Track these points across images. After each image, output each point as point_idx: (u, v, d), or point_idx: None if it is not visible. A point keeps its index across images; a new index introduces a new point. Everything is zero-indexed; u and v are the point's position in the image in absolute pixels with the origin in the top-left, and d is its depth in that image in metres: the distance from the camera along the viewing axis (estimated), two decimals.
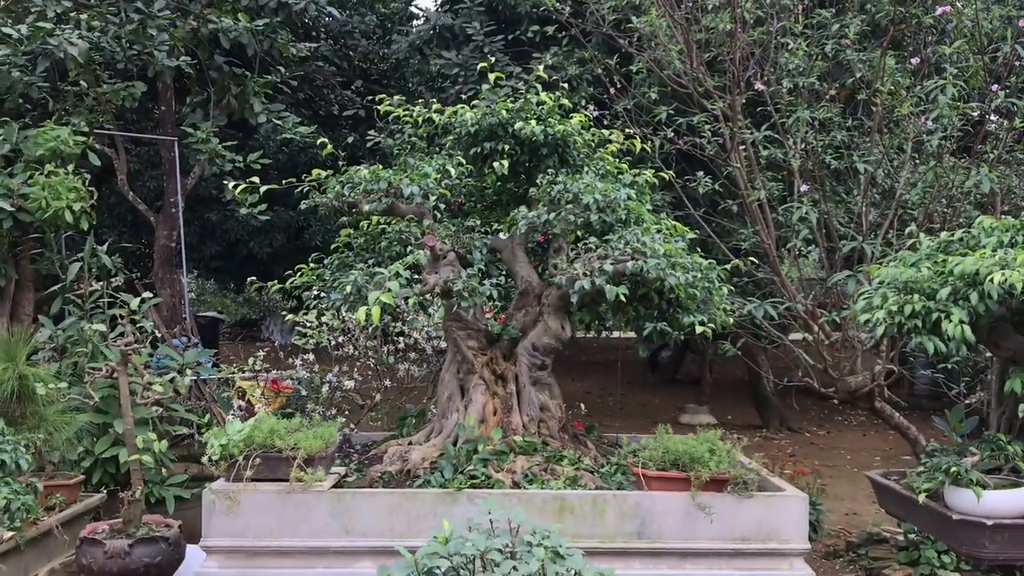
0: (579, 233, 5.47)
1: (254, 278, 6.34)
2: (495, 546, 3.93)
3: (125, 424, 5.36)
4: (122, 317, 5.49)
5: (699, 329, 5.33)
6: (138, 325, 5.91)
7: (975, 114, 7.35)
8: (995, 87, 7.56)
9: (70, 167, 7.74)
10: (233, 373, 6.53)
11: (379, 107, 5.98)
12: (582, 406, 6.64)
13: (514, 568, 3.79)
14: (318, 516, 4.67)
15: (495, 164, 5.43)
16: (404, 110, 5.92)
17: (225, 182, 6.47)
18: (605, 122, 7.50)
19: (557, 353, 5.54)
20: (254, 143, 13.48)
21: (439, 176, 5.28)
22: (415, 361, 6.78)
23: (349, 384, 6.48)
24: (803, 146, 7.77)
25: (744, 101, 8.06)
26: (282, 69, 10.27)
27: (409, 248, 4.83)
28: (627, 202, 5.17)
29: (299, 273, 6.02)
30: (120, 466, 6.55)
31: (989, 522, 4.61)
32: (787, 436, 13.73)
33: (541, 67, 6.28)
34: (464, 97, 8.17)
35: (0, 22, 8.63)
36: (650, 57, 8.41)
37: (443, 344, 6.97)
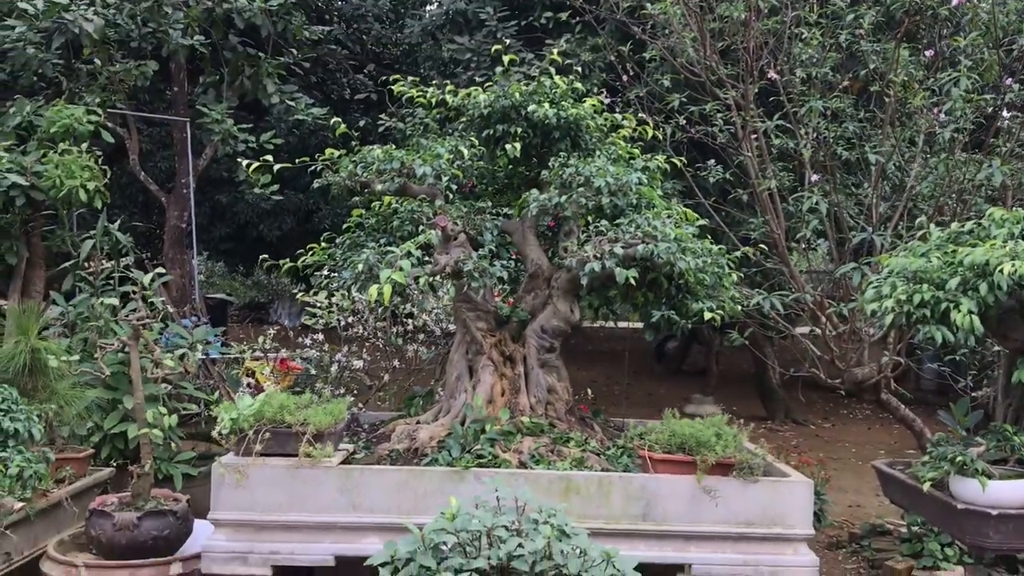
0: (588, 218, 5.49)
1: (266, 256, 6.35)
2: (501, 523, 3.96)
3: (136, 398, 5.39)
4: (134, 293, 5.51)
5: (708, 316, 5.34)
6: (149, 301, 5.94)
7: (988, 108, 7.34)
8: (1009, 80, 7.55)
9: (83, 146, 7.77)
10: (243, 352, 6.57)
11: (393, 88, 5.99)
12: (589, 392, 6.67)
13: (520, 545, 3.83)
14: (326, 491, 4.71)
15: (507, 147, 5.45)
16: (418, 91, 5.93)
17: (240, 160, 6.48)
18: (617, 109, 7.50)
19: (565, 336, 5.56)
20: (265, 125, 13.50)
21: (452, 157, 5.30)
22: (424, 343, 6.81)
23: (358, 364, 6.51)
24: (815, 136, 7.77)
25: (756, 90, 8.05)
26: (295, 51, 10.28)
27: (421, 228, 4.85)
28: (639, 186, 5.18)
29: (310, 252, 6.05)
30: (128, 442, 6.61)
31: (994, 512, 4.63)
32: (792, 428, 13.75)
33: (555, 51, 6.27)
34: (476, 82, 8.19)
35: None
36: (663, 45, 8.41)
37: (451, 327, 7.01)
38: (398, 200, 5.98)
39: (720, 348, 16.41)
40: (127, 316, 5.51)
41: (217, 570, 4.71)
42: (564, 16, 9.51)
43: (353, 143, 5.71)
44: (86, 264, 7.41)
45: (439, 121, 6.07)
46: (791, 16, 7.67)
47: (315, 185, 5.52)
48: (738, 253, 6.07)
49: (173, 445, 6.56)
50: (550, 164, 5.43)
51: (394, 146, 5.48)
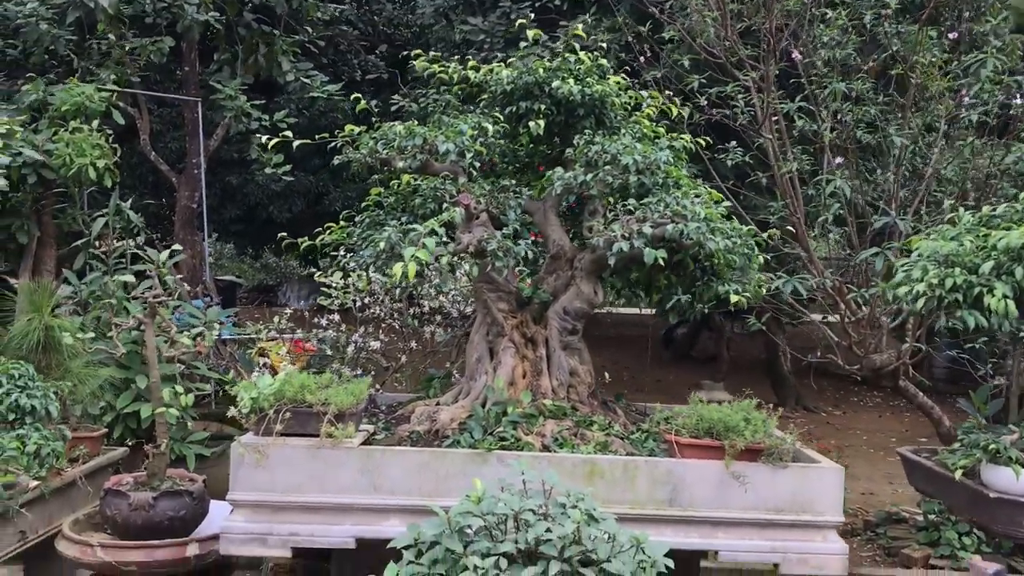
0: (611, 198, 5.38)
1: (284, 234, 6.26)
2: (528, 507, 3.88)
3: (151, 377, 5.31)
4: (151, 271, 5.42)
5: (734, 299, 5.24)
6: (164, 280, 5.86)
7: (1017, 94, 7.22)
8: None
9: (94, 124, 7.71)
10: (258, 332, 6.49)
11: (415, 63, 5.87)
12: (606, 375, 6.58)
13: (548, 529, 3.74)
14: (347, 472, 4.63)
15: (531, 124, 5.33)
16: (440, 67, 5.82)
17: (256, 135, 6.38)
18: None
19: (588, 318, 5.46)
20: (275, 106, 13.41)
21: (475, 134, 5.18)
22: (441, 324, 6.72)
23: (375, 345, 6.42)
24: (835, 119, 7.65)
25: (777, 72, 7.93)
26: (309, 29, 10.17)
27: (445, 206, 4.74)
28: (666, 165, 5.07)
29: (328, 231, 5.96)
30: (141, 421, 6.55)
31: None
32: (803, 415, 13.66)
33: (580, 26, 6.14)
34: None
35: None
36: (682, 26, 8.28)
37: (468, 309, 6.91)
38: (415, 179, 5.89)
39: (731, 335, 16.30)
40: (143, 293, 5.42)
41: (235, 552, 4.64)
42: None
43: (375, 119, 5.59)
44: (98, 243, 7.34)
45: (460, 99, 5.95)
46: None
47: (335, 162, 5.41)
48: (764, 235, 5.94)
49: (190, 424, 6.49)
50: (575, 142, 5.32)
51: (416, 122, 5.36)
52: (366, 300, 6.79)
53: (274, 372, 7.07)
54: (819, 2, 7.67)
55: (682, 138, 5.69)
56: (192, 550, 5.07)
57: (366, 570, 5.42)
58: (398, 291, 6.39)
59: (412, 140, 5.08)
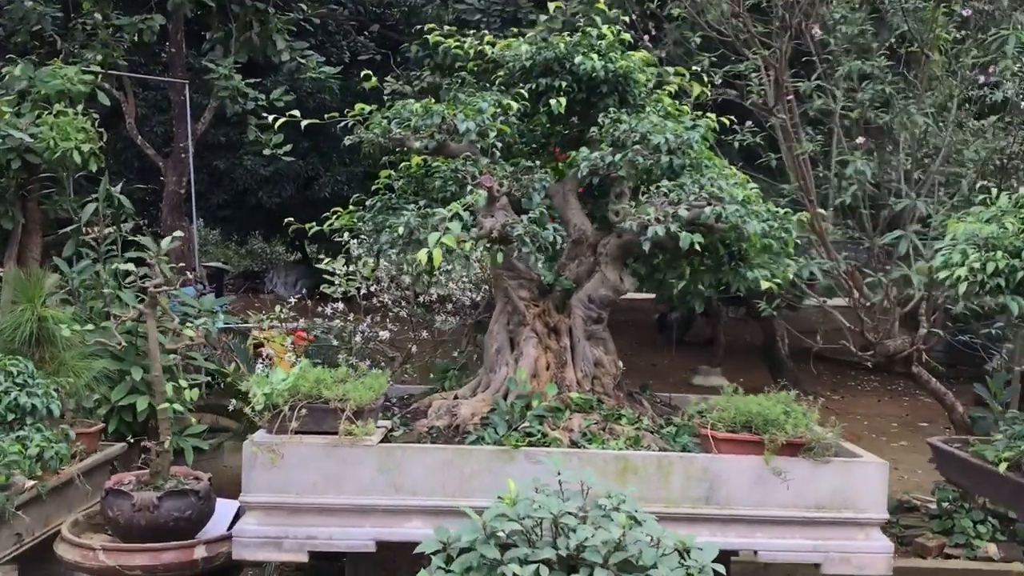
0: (638, 180, 5.13)
1: (291, 219, 5.97)
2: (568, 509, 3.64)
3: (154, 370, 5.03)
4: (150, 258, 5.13)
5: (764, 285, 5.02)
6: (164, 267, 5.58)
7: None
8: None
9: (79, 108, 7.42)
10: (260, 322, 6.21)
11: (428, 37, 5.59)
12: (619, 364, 6.34)
13: (592, 535, 3.50)
14: (365, 472, 4.37)
15: (552, 102, 5.05)
16: (455, 41, 5.54)
17: (252, 116, 6.11)
18: None
19: (614, 306, 5.21)
20: (263, 89, 13.07)
21: (497, 111, 4.91)
22: (452, 312, 6.45)
23: (384, 335, 6.16)
24: (850, 99, 7.44)
25: (790, 51, 7.70)
26: (304, 6, 9.84)
27: (469, 188, 4.47)
28: (698, 144, 4.82)
29: (336, 216, 5.68)
30: (137, 415, 6.29)
31: None
32: (802, 400, 13.49)
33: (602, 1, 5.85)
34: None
35: None
36: (690, 2, 8.02)
37: (479, 296, 6.66)
38: (426, 160, 5.62)
39: (726, 319, 16.14)
40: (141, 282, 5.13)
41: (249, 556, 4.38)
42: None
43: (386, 98, 5.31)
44: (87, 229, 7.05)
45: (475, 76, 5.66)
46: None
47: (346, 142, 5.11)
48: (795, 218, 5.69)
49: (194, 419, 6.22)
50: (600, 121, 5.05)
51: (433, 100, 5.08)
52: (372, 288, 6.51)
53: (271, 363, 6.82)
54: None
55: (708, 117, 5.42)
56: (200, 552, 4.80)
57: (382, 571, 5.21)
58: (407, 278, 6.11)
59: (430, 119, 4.79)
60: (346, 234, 5.92)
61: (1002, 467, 4.77)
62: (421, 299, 6.48)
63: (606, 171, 4.84)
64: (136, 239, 6.73)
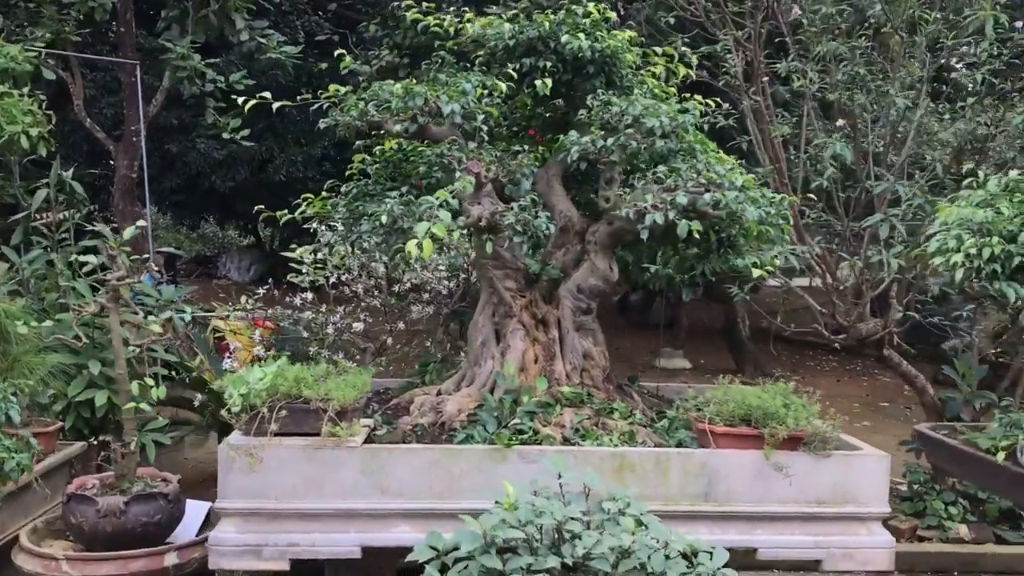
0: (628, 165, 4.93)
1: (262, 207, 5.68)
2: (572, 514, 3.45)
3: (118, 368, 4.75)
4: (111, 248, 4.83)
5: (756, 273, 4.86)
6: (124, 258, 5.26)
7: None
8: (1020, 24, 7.15)
9: (25, 89, 7.02)
10: (228, 313, 5.92)
11: (406, 14, 5.32)
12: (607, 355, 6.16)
13: (598, 542, 3.32)
14: (349, 474, 4.13)
15: (537, 83, 4.82)
16: (435, 19, 5.28)
17: (211, 98, 5.82)
18: None
19: (604, 296, 5.02)
20: (218, 68, 12.63)
21: (483, 93, 4.66)
22: (427, 302, 6.21)
23: (359, 326, 5.90)
24: (824, 80, 7.32)
25: (765, 32, 7.57)
26: None
27: (458, 174, 4.22)
28: (693, 128, 4.63)
29: (307, 203, 5.41)
30: (95, 410, 5.97)
31: None
32: (762, 381, 13.51)
33: None
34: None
35: None
36: None
37: (454, 285, 6.42)
38: (400, 144, 5.37)
39: (687, 301, 16.08)
40: (104, 275, 4.83)
41: (227, 565, 4.12)
42: None
43: (326, 82, 5.02)
44: (38, 216, 6.67)
45: (454, 54, 5.39)
46: None
47: (320, 126, 4.84)
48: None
49: (155, 412, 5.91)
50: (589, 103, 4.83)
51: (414, 81, 4.81)
52: (342, 277, 6.25)
53: (234, 355, 6.54)
54: None
55: (694, 99, 5.24)
56: (171, 559, 4.56)
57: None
58: (381, 267, 5.86)
59: (412, 100, 4.53)
60: (315, 221, 5.65)
61: (1000, 456, 4.67)
62: (395, 288, 6.22)
63: (597, 156, 4.63)
64: (92, 226, 6.37)
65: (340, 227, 5.10)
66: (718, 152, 5.08)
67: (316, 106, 5.02)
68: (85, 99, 10.62)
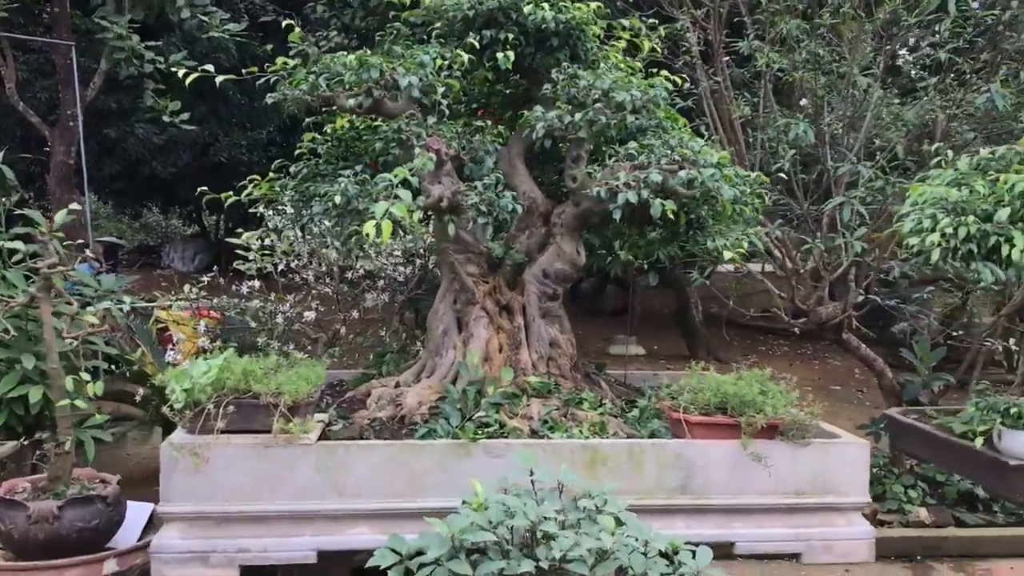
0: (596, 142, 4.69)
1: (205, 188, 5.33)
2: (547, 514, 3.21)
3: (51, 363, 4.41)
4: (42, 234, 4.48)
5: (727, 255, 4.66)
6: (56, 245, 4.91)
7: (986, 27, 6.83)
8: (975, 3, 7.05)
9: None
10: (171, 303, 5.57)
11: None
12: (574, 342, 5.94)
13: (576, 544, 3.08)
14: (303, 473, 3.86)
15: (499, 55, 4.55)
16: None
17: (150, 79, 5.47)
18: None
19: (571, 281, 4.78)
20: (158, 49, 12.14)
21: (443, 64, 4.38)
22: (382, 289, 5.92)
23: (310, 315, 5.59)
24: (787, 59, 7.16)
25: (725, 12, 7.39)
26: None
27: (417, 151, 3.94)
28: (664, 103, 4.40)
29: (253, 184, 5.09)
30: (29, 407, 5.60)
31: None
32: (715, 366, 13.41)
33: None
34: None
35: None
36: None
37: (410, 271, 6.14)
38: (352, 122, 5.07)
39: (639, 288, 16.02)
40: (33, 262, 4.48)
41: (171, 573, 3.82)
42: None
43: (266, 65, 4.72)
44: None
45: (409, 26, 5.07)
46: None
47: (268, 100, 4.53)
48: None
49: (94, 408, 5.56)
50: (554, 76, 4.57)
51: (368, 53, 4.50)
52: (291, 264, 5.93)
53: (178, 348, 6.19)
54: None
55: (661, 75, 5.00)
56: (110, 567, 4.23)
57: None
58: (333, 253, 5.56)
59: (367, 73, 4.23)
60: (261, 205, 5.33)
61: (979, 442, 4.54)
62: (348, 275, 5.92)
63: (564, 132, 4.37)
64: (24, 212, 5.99)
65: (289, 210, 4.80)
66: (685, 128, 4.84)
67: (261, 89, 4.70)
68: (18, 82, 10.14)
